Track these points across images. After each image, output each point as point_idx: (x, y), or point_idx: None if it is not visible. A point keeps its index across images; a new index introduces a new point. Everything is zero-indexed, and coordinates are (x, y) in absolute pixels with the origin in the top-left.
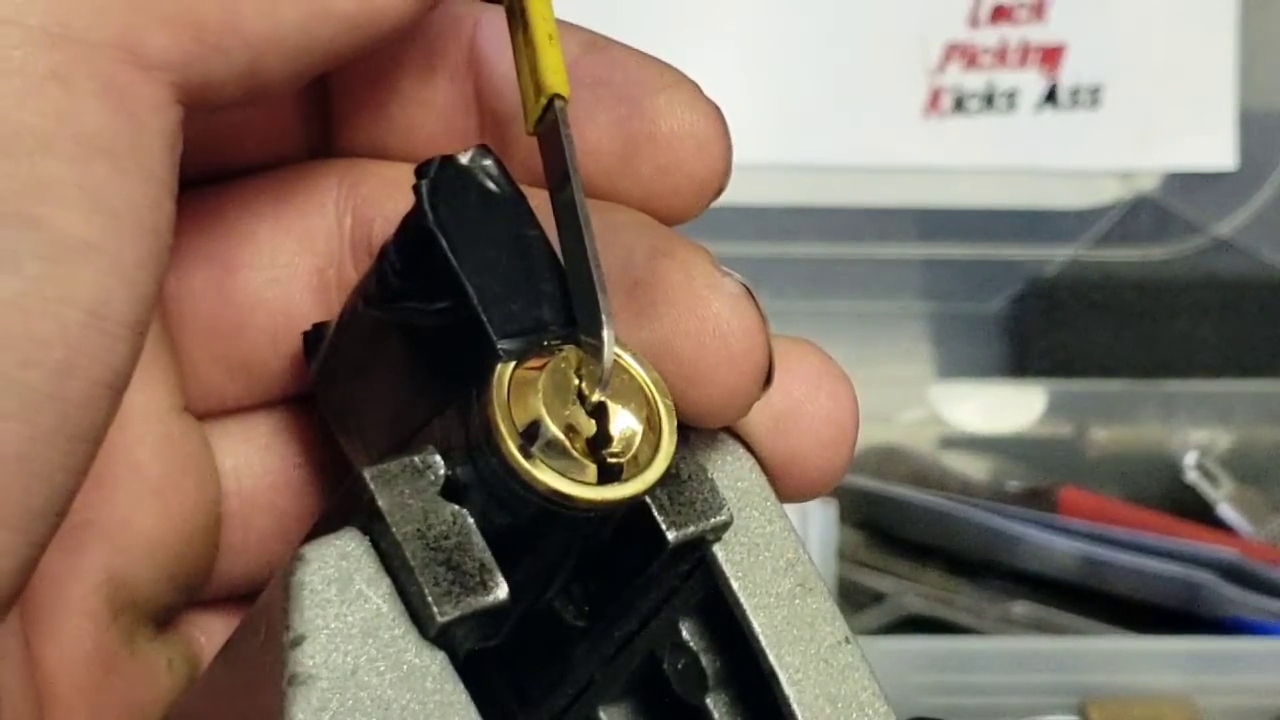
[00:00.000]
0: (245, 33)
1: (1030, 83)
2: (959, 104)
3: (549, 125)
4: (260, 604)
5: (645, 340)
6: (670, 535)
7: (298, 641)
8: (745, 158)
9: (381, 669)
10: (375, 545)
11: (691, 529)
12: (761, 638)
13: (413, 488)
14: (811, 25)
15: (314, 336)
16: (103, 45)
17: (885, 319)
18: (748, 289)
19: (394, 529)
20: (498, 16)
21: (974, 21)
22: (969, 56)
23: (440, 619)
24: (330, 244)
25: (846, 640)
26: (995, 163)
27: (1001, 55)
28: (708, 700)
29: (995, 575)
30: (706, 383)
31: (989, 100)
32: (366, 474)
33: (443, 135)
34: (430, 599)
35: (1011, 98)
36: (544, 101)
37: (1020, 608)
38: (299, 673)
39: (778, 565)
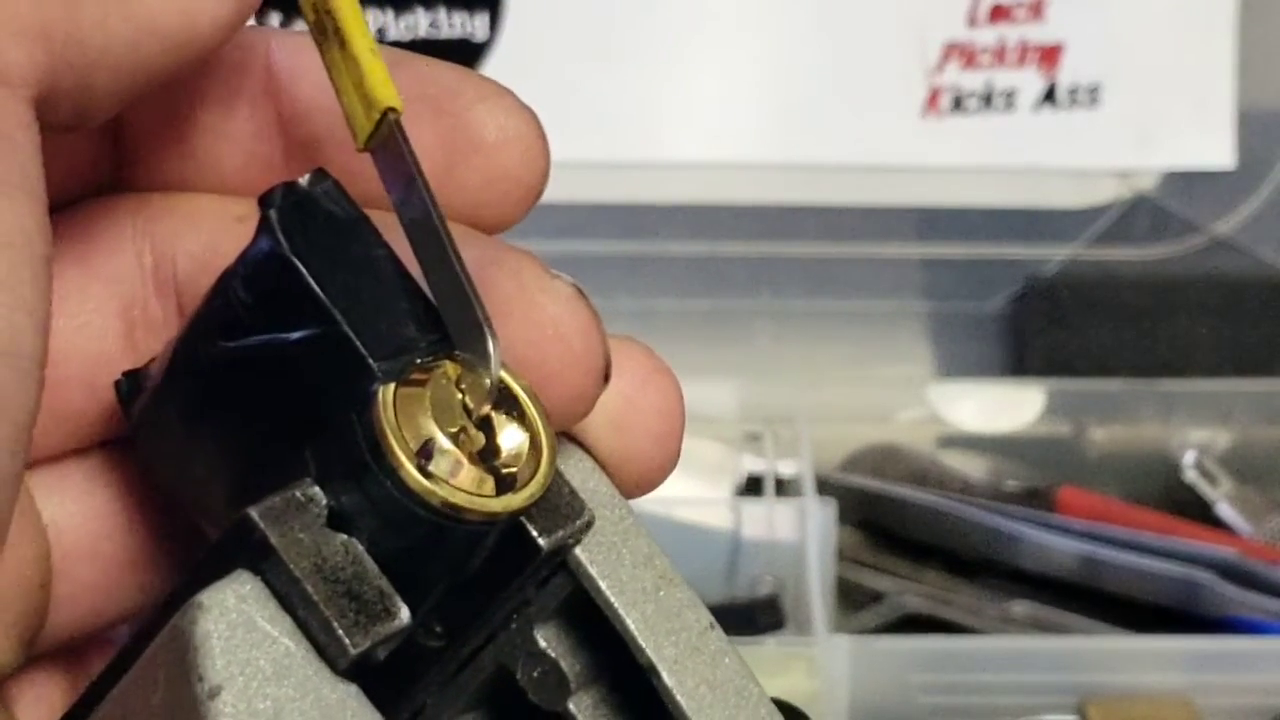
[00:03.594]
0: (84, 45)
1: (1029, 82)
2: (957, 103)
3: (384, 140)
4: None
5: None
6: (542, 542)
7: (215, 692)
8: (745, 157)
9: (303, 709)
10: (268, 584)
11: (560, 533)
12: (636, 634)
13: (300, 522)
14: (811, 25)
15: (128, 385)
16: None
17: (884, 319)
18: (578, 289)
19: (291, 565)
20: (291, 39)
21: (972, 21)
22: (967, 56)
23: (354, 651)
24: (133, 282)
25: (711, 626)
26: (994, 162)
27: (1000, 54)
28: (570, 704)
29: (994, 575)
30: (552, 385)
31: (987, 100)
32: (254, 513)
33: (246, 166)
34: (340, 632)
35: (1010, 97)
36: (376, 116)
37: (1019, 607)
38: None
39: (637, 561)
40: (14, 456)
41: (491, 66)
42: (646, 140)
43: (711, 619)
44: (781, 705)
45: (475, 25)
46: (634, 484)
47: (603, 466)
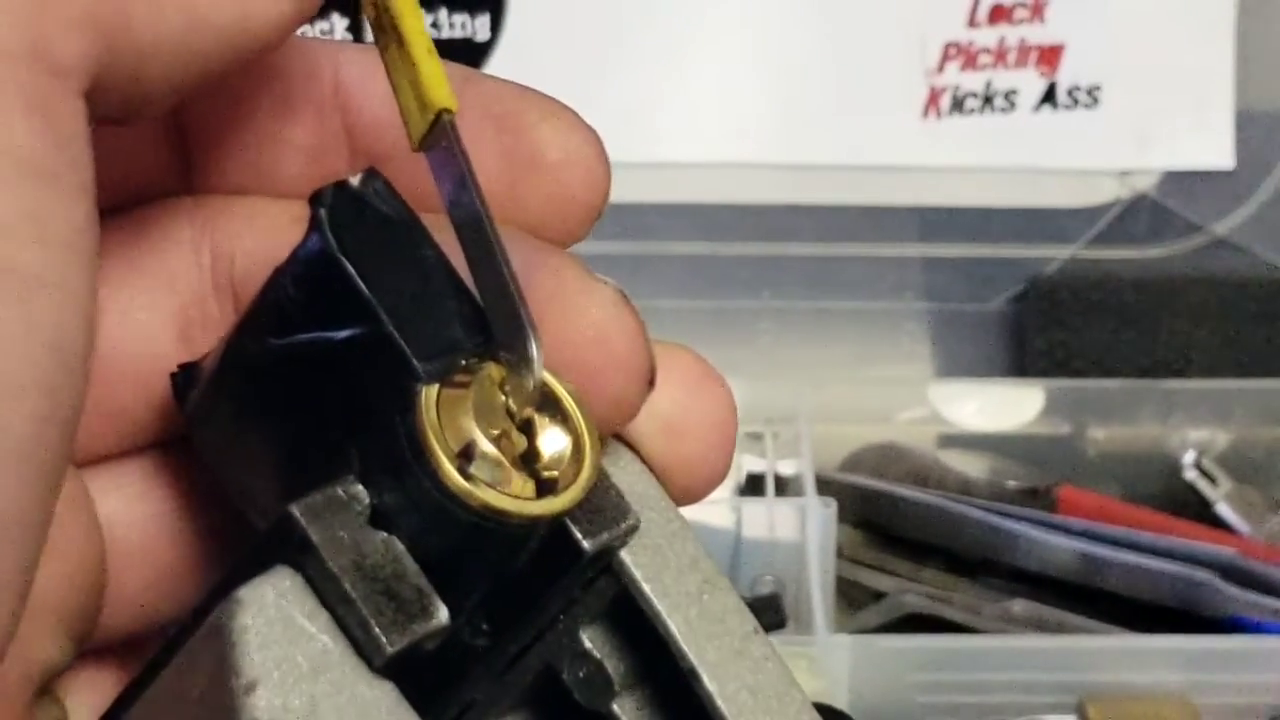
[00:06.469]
0: (135, 36)
1: (1029, 82)
2: (958, 104)
3: (437, 141)
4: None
5: None
6: (587, 544)
7: (250, 687)
8: (745, 157)
9: (338, 705)
10: (308, 580)
11: (605, 536)
12: (679, 637)
13: (341, 519)
14: (811, 25)
15: (184, 378)
16: (20, 56)
17: (885, 318)
18: (622, 293)
19: (329, 562)
20: (360, 55)
21: (973, 21)
22: (968, 56)
23: (390, 649)
24: (190, 282)
25: (755, 631)
26: (994, 162)
27: (1000, 55)
28: (614, 706)
29: (994, 574)
30: (594, 389)
31: (988, 100)
32: (295, 509)
33: (310, 176)
34: (377, 630)
35: (1010, 97)
36: (430, 117)
37: (1019, 606)
38: (259, 719)
39: (682, 564)
40: (59, 452)
41: (493, 67)
42: (646, 140)
43: (756, 624)
44: (827, 710)
45: (476, 26)
46: (685, 491)
47: (654, 472)
